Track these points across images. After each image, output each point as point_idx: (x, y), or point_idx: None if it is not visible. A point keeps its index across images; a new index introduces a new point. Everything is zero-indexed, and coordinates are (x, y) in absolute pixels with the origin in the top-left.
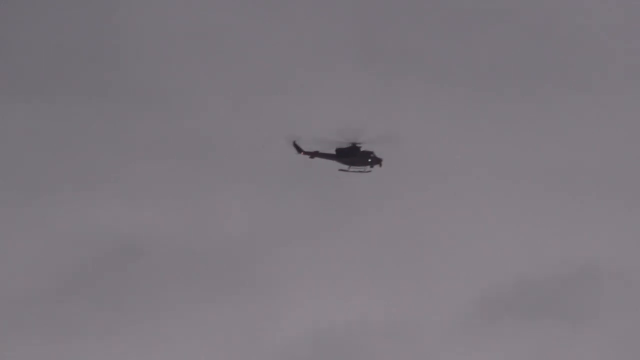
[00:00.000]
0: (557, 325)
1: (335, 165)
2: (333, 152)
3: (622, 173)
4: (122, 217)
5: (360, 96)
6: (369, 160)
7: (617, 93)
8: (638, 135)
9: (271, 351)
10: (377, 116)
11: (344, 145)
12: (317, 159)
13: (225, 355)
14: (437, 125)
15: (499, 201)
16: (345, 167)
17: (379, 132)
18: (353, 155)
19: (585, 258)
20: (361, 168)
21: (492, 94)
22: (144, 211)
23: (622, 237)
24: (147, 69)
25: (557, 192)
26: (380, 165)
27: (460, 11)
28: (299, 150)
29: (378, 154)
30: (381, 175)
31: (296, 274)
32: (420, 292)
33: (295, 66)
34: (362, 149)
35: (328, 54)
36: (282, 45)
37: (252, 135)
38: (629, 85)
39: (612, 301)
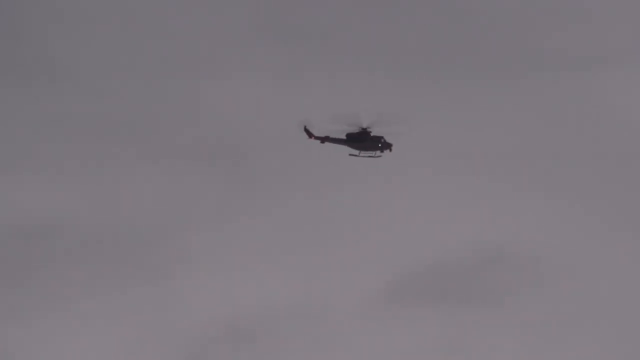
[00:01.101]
0: (467, 309)
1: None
2: (343, 137)
3: (533, 159)
4: (32, 198)
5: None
6: (380, 145)
7: (534, 80)
8: (550, 121)
9: (180, 335)
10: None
11: (355, 131)
12: (327, 144)
13: (134, 338)
14: (349, 109)
15: (411, 185)
16: (356, 152)
17: (383, 118)
18: (363, 141)
19: (495, 243)
20: (371, 153)
21: (409, 80)
22: (53, 193)
23: (532, 223)
24: (63, 48)
25: (468, 177)
26: (391, 150)
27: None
28: (310, 135)
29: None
30: (290, 158)
31: (206, 257)
32: (330, 276)
33: (212, 46)
34: (372, 134)
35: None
36: (197, 23)
37: (166, 117)
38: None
39: (522, 286)
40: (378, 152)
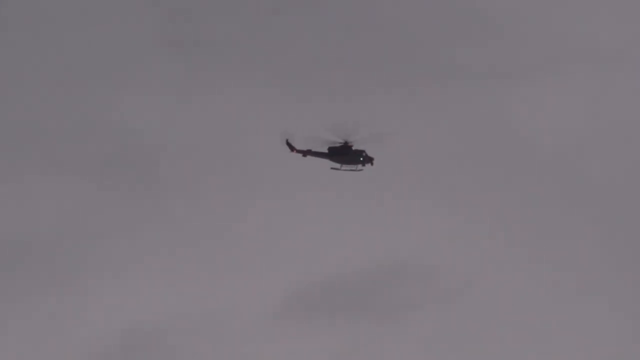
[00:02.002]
0: (365, 323)
1: (325, 163)
2: (325, 150)
3: (434, 173)
4: None
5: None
6: (361, 159)
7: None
8: (453, 135)
9: (79, 347)
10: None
11: (336, 144)
12: (309, 157)
13: (31, 349)
14: (246, 120)
15: (308, 200)
16: (337, 165)
17: (368, 131)
18: (345, 154)
19: (392, 257)
20: (353, 167)
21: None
22: None
23: (428, 236)
24: None
25: (365, 192)
26: (372, 164)
27: None
28: (292, 148)
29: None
30: (195, 169)
31: (106, 267)
32: (229, 288)
33: (117, 59)
34: (353, 148)
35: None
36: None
37: (67, 127)
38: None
39: (418, 299)
40: (359, 166)
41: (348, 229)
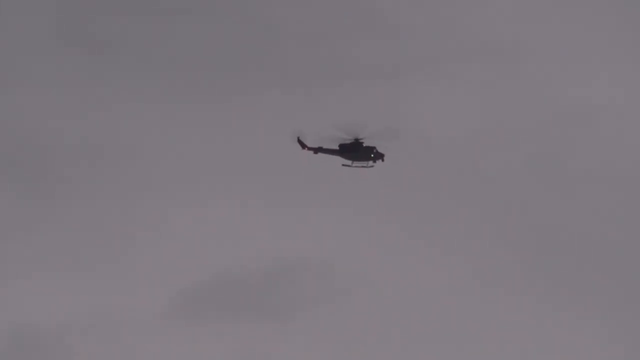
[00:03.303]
0: (261, 321)
1: (333, 160)
2: (336, 147)
3: (322, 170)
4: None
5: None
6: (372, 155)
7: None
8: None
9: None
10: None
11: (347, 141)
12: (320, 154)
13: None
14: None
15: (199, 198)
16: (349, 162)
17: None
18: (356, 151)
19: (283, 255)
20: (364, 163)
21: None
22: None
23: (320, 234)
24: None
25: (257, 190)
26: (383, 160)
27: None
28: (303, 146)
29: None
30: (93, 169)
31: None
32: (120, 288)
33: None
34: (364, 145)
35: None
36: None
37: None
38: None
39: (310, 298)
40: (370, 162)
41: (239, 226)
